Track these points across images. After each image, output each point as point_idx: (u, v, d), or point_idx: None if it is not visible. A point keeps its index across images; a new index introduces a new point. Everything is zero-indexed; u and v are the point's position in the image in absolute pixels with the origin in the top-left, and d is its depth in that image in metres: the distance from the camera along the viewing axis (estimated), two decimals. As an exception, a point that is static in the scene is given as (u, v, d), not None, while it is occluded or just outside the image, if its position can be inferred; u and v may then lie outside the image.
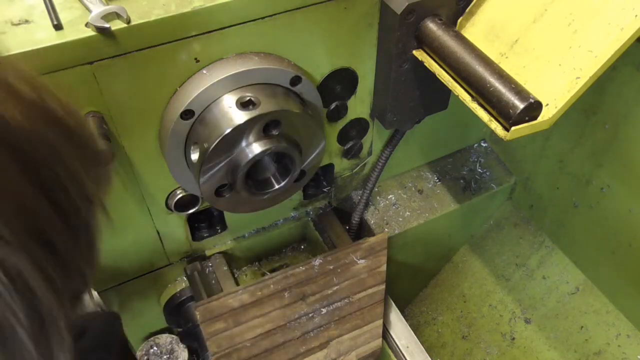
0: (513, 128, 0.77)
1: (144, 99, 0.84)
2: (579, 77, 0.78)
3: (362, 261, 1.14)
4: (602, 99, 1.08)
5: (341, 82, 1.01)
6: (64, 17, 0.74)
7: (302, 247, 1.37)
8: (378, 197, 1.35)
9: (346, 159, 1.20)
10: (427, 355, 1.12)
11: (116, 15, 0.73)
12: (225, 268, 1.17)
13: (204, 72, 0.84)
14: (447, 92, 1.07)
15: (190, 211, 1.05)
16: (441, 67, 0.89)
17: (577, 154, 1.21)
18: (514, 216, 1.49)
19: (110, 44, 0.74)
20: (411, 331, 1.16)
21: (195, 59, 0.83)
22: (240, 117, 0.84)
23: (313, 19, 0.88)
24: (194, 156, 0.89)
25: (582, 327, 1.33)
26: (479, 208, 1.44)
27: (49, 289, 0.36)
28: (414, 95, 1.04)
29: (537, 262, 1.43)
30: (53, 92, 0.40)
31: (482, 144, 1.46)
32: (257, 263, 1.33)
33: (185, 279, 1.20)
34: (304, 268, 1.10)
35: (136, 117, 0.85)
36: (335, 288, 1.11)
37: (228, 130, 0.83)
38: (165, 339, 1.27)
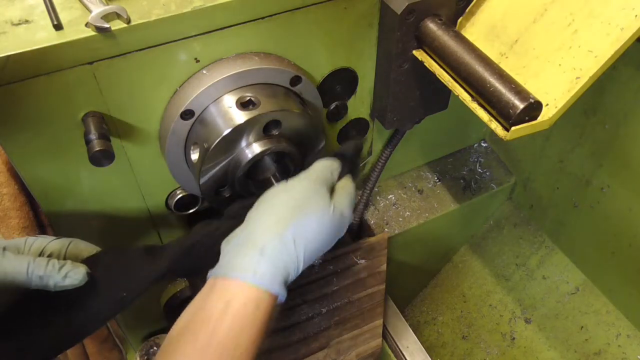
0: (513, 128, 0.77)
1: (144, 99, 0.84)
2: (579, 77, 0.78)
3: (362, 261, 1.14)
4: (602, 99, 1.08)
5: (341, 82, 1.01)
6: (64, 17, 0.74)
7: (302, 247, 1.37)
8: (378, 197, 1.35)
9: (346, 159, 1.20)
10: (427, 355, 1.12)
11: (116, 15, 0.73)
12: (225, 268, 1.17)
13: (204, 72, 0.84)
14: (447, 92, 1.07)
15: (190, 211, 1.05)
16: (441, 67, 0.89)
17: (577, 154, 1.21)
18: (514, 216, 1.49)
19: (110, 44, 0.74)
20: (411, 331, 1.16)
21: (195, 59, 0.83)
22: (240, 117, 0.84)
23: (313, 19, 0.88)
24: (194, 156, 0.89)
25: (582, 327, 1.33)
26: (479, 208, 1.44)
27: None
28: (414, 95, 1.04)
29: (537, 262, 1.43)
30: None
31: (482, 144, 1.46)
32: (257, 263, 1.33)
33: (185, 278, 1.20)
34: (304, 268, 1.10)
35: (136, 117, 0.85)
36: (335, 288, 1.11)
37: (228, 131, 0.83)
38: (165, 339, 1.27)
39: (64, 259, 0.79)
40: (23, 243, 0.77)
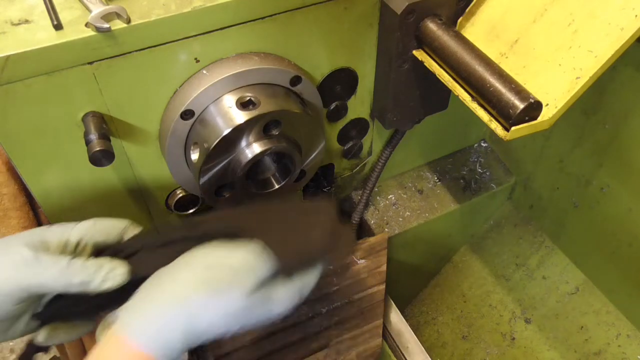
0: (513, 128, 0.77)
1: (144, 99, 0.84)
2: (579, 77, 0.78)
3: (362, 261, 1.14)
4: (602, 99, 1.08)
5: (341, 82, 1.01)
6: (64, 17, 0.74)
7: (302, 247, 1.36)
8: (378, 197, 1.35)
9: (346, 159, 1.20)
10: (427, 355, 1.12)
11: (116, 15, 0.73)
12: (225, 268, 1.17)
13: (204, 72, 0.84)
14: (447, 92, 1.07)
15: (190, 211, 1.05)
16: (441, 67, 0.89)
17: (577, 154, 1.21)
18: (514, 216, 1.49)
19: (110, 44, 0.74)
20: (411, 331, 1.16)
21: (195, 59, 0.83)
22: (240, 117, 0.84)
23: (313, 19, 0.88)
24: (194, 156, 0.89)
25: (582, 327, 1.33)
26: (479, 208, 1.44)
27: None
28: (414, 95, 1.03)
29: (537, 262, 1.43)
30: None
31: (482, 144, 1.46)
32: (257, 263, 1.33)
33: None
34: (304, 268, 1.10)
35: (136, 117, 0.85)
36: (335, 288, 1.11)
37: (228, 130, 0.83)
38: (165, 339, 1.27)
39: (93, 245, 0.73)
40: (45, 234, 0.71)
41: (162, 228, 0.78)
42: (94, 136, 0.77)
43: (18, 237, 0.69)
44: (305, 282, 0.72)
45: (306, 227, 0.74)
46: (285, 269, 0.70)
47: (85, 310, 0.74)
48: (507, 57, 0.88)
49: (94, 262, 0.68)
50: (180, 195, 1.01)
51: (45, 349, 0.77)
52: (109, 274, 0.68)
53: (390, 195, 1.35)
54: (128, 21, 0.74)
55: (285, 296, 0.69)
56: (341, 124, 1.10)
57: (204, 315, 0.65)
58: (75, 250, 0.73)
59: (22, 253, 0.66)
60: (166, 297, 0.65)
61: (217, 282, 0.66)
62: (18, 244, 0.67)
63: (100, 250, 0.75)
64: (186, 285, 0.66)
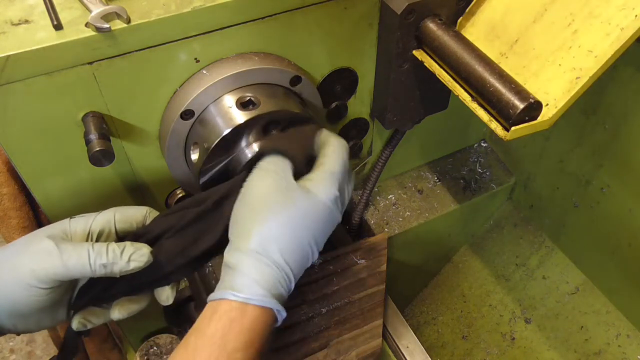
0: (513, 128, 0.77)
1: (144, 99, 0.84)
2: (579, 77, 0.78)
3: (362, 261, 1.14)
4: (602, 99, 1.08)
5: (341, 82, 1.01)
6: (64, 17, 0.74)
7: (302, 247, 1.36)
8: (378, 197, 1.35)
9: (346, 159, 1.20)
10: (427, 355, 1.12)
11: (116, 15, 0.73)
12: (225, 268, 1.17)
13: (204, 72, 0.84)
14: (447, 92, 1.07)
15: (190, 211, 1.05)
16: (441, 67, 0.89)
17: (577, 154, 1.21)
18: (514, 216, 1.49)
19: (110, 44, 0.74)
20: (411, 331, 1.16)
21: (195, 59, 0.83)
22: (240, 117, 0.84)
23: (313, 19, 0.88)
24: (194, 156, 0.89)
25: (582, 327, 1.33)
26: (479, 208, 1.44)
27: None
28: (414, 95, 1.04)
29: (537, 262, 1.43)
30: None
31: (482, 144, 1.46)
32: (257, 263, 1.33)
33: (185, 279, 1.20)
34: (303, 268, 1.10)
35: (136, 117, 0.85)
36: (335, 288, 1.10)
37: (228, 131, 0.83)
38: (165, 339, 1.27)
39: (116, 234, 0.77)
40: (67, 226, 0.75)
41: (174, 209, 0.81)
42: (94, 136, 0.77)
43: (41, 231, 0.73)
44: (329, 162, 0.75)
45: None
46: (296, 159, 0.76)
47: (114, 296, 0.79)
48: (507, 57, 0.88)
49: (118, 245, 0.71)
50: (180, 195, 1.01)
51: (86, 333, 0.80)
52: (134, 254, 0.71)
53: (390, 195, 1.35)
54: (128, 21, 0.74)
55: (320, 177, 0.74)
56: (341, 124, 1.10)
57: (274, 242, 0.70)
58: (98, 239, 0.76)
59: (44, 245, 0.69)
60: (234, 251, 0.70)
61: (262, 205, 0.71)
62: (40, 237, 0.71)
63: (121, 238, 0.79)
64: (241, 228, 0.71)
